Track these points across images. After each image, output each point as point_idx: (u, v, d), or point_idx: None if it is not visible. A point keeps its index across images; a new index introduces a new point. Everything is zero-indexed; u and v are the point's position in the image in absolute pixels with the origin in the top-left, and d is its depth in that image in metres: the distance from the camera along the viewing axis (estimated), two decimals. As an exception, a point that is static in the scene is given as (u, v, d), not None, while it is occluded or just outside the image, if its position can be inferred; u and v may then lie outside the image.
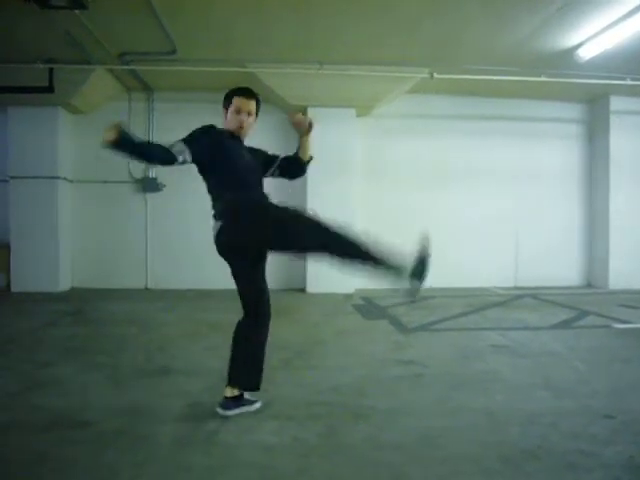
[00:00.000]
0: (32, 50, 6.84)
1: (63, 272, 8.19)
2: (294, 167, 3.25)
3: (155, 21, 5.92)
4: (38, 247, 7.92)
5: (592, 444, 2.53)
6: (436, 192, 8.82)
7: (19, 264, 7.93)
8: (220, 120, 3.03)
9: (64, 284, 8.20)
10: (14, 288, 7.90)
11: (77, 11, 5.40)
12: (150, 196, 8.57)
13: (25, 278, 7.88)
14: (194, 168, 2.89)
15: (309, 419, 2.81)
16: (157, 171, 8.49)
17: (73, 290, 8.24)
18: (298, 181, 3.48)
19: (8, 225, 7.97)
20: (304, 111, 7.57)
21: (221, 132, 2.98)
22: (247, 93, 3.02)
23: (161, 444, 2.54)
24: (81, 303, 6.91)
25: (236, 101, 2.98)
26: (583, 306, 6.83)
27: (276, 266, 8.75)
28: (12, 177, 7.95)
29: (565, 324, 5.75)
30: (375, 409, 3.03)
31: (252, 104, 3.01)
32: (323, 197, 7.85)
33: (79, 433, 2.66)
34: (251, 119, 3.02)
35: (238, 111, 2.97)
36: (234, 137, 3.00)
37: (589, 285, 9.20)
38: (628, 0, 5.35)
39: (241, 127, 2.99)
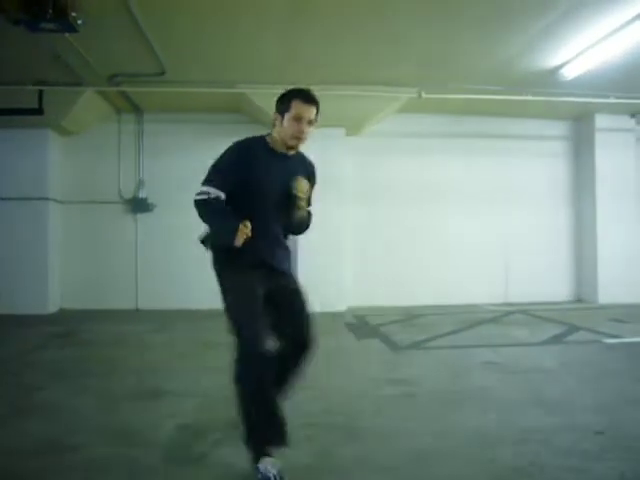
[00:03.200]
0: (22, 72, 6.84)
1: (52, 294, 8.12)
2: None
3: (145, 43, 5.97)
4: (27, 269, 7.86)
5: (583, 460, 2.53)
6: (425, 210, 8.86)
7: (7, 286, 7.82)
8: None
9: (53, 306, 8.12)
10: (2, 310, 7.75)
11: (67, 34, 5.44)
12: (140, 216, 8.54)
13: (13, 300, 7.77)
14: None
15: (302, 441, 2.79)
16: (147, 191, 8.50)
17: (62, 312, 8.15)
18: None
19: (-4, 247, 7.92)
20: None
21: (255, 146, 2.58)
22: (309, 98, 2.53)
23: (152, 467, 2.52)
24: (71, 325, 6.84)
25: (296, 106, 2.49)
26: (573, 321, 6.86)
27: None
28: (1, 198, 7.91)
29: (556, 339, 5.78)
30: (368, 430, 3.02)
31: (314, 111, 2.53)
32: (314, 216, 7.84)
33: (68, 458, 2.62)
34: (311, 129, 2.56)
35: (298, 119, 2.49)
36: (275, 153, 2.59)
37: (579, 300, 9.25)
38: (610, 20, 5.48)
39: (299, 138, 2.53)
